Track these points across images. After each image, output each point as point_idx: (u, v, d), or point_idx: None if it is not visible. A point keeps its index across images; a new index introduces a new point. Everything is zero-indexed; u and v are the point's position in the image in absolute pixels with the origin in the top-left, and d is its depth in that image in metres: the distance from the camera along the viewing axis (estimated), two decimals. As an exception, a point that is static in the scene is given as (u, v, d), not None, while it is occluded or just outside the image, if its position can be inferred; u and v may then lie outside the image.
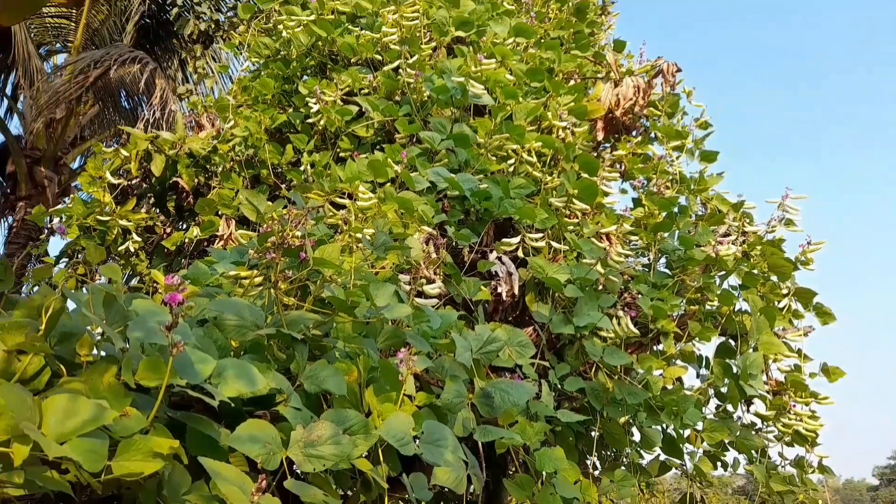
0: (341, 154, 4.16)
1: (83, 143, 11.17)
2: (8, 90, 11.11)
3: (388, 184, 3.47)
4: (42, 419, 1.15)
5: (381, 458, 1.83)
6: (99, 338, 1.52)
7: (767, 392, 3.67)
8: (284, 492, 1.59)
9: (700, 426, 3.43)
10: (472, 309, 3.32)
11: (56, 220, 4.18)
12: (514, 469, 3.50)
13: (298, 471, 1.68)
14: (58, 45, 11.46)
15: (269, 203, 3.18)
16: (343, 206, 3.32)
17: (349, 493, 2.05)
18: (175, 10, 10.66)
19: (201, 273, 2.45)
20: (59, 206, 4.31)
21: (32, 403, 1.15)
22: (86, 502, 1.70)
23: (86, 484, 1.29)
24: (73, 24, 10.93)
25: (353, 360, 2.09)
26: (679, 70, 4.57)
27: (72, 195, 4.50)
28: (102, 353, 1.56)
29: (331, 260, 2.16)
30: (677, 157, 4.38)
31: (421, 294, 2.67)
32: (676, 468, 3.58)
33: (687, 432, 3.46)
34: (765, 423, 3.70)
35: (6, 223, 11.32)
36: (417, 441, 1.94)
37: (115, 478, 1.20)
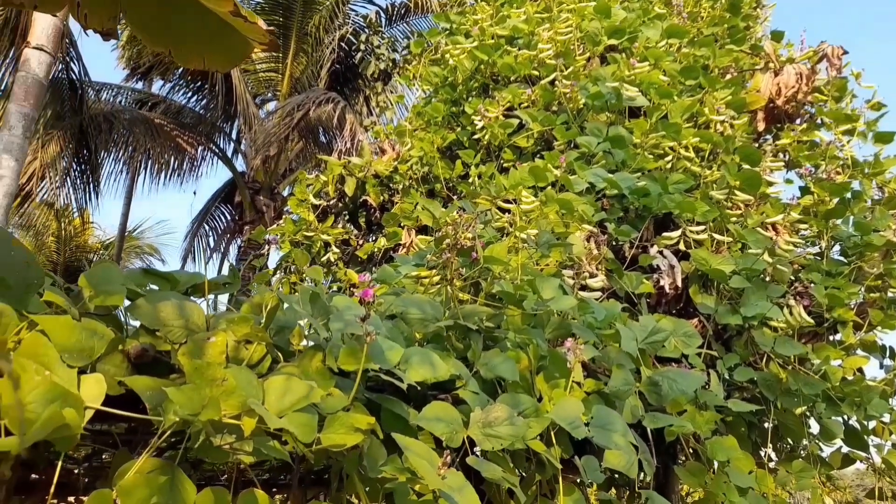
0: (505, 165, 4.17)
1: (292, 174, 12.24)
2: (234, 135, 12.45)
3: (549, 188, 3.42)
4: (265, 397, 1.25)
5: (554, 441, 1.79)
6: (307, 330, 1.64)
7: (966, 383, 3.12)
8: (466, 468, 1.61)
9: (887, 418, 3.01)
10: (636, 302, 3.16)
11: (272, 237, 4.65)
12: (684, 458, 3.28)
13: (478, 451, 1.69)
14: (269, 94, 12.66)
15: (443, 209, 3.26)
16: (508, 211, 3.31)
17: (524, 473, 2.02)
18: (359, 54, 11.39)
19: (388, 275, 2.56)
20: (274, 227, 4.73)
21: (257, 384, 1.26)
22: (302, 473, 1.83)
23: (301, 455, 1.38)
24: (279, 75, 12.04)
25: (524, 349, 2.07)
26: (845, 52, 4.06)
27: (284, 217, 4.92)
28: (311, 343, 1.67)
29: (499, 258, 2.15)
30: (848, 142, 3.88)
31: (584, 287, 2.59)
32: (862, 461, 3.15)
33: (872, 424, 3.04)
34: (964, 416, 3.14)
35: (237, 244, 12.71)
36: (588, 427, 1.88)
37: (324, 448, 1.27)
